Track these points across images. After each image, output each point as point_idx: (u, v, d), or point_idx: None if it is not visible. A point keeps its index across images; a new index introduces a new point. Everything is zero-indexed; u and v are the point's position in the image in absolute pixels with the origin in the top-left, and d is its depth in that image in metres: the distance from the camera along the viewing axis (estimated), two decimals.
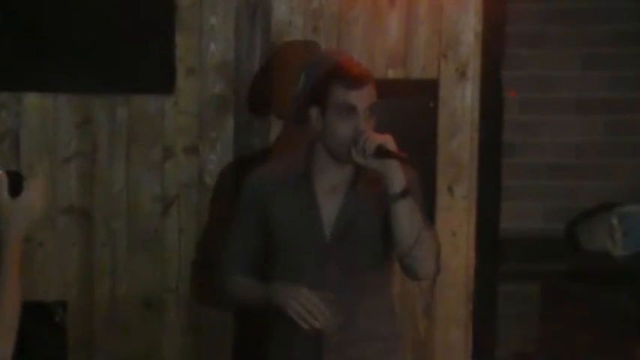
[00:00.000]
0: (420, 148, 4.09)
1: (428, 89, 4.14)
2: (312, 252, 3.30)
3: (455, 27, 4.13)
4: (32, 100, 4.18)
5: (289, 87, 3.89)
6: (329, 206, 3.30)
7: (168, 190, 4.24)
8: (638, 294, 4.88)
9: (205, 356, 4.31)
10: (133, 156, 4.23)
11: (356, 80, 3.18)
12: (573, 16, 5.23)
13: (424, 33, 4.14)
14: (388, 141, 3.11)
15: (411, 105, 4.14)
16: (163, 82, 4.17)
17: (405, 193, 3.11)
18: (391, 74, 4.13)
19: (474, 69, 4.14)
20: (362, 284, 3.29)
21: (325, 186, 3.30)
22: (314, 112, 3.25)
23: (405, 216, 3.13)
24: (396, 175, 3.12)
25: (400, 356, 3.44)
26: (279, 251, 3.32)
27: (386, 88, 4.01)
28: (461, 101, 4.16)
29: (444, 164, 4.17)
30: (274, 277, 3.34)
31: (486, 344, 4.41)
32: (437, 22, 4.13)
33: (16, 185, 2.71)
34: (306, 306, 3.15)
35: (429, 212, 4.03)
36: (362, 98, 3.19)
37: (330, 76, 3.21)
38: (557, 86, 5.28)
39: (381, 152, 3.10)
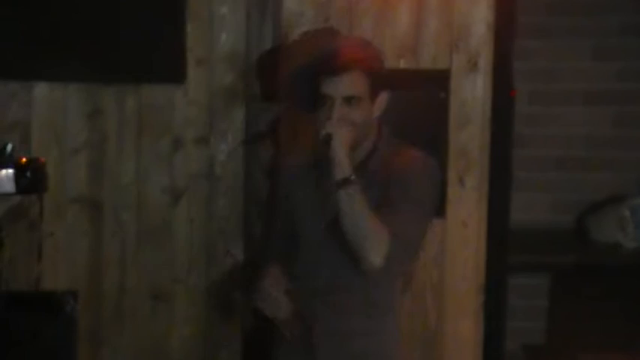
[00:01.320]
0: (430, 138, 4.08)
1: (439, 80, 4.12)
2: (315, 237, 3.30)
3: (466, 18, 4.11)
4: (42, 90, 4.18)
5: None
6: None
7: (178, 180, 4.24)
8: None
9: (214, 347, 4.31)
10: (143, 146, 4.23)
11: (330, 69, 3.17)
12: (582, 7, 5.21)
13: (435, 24, 4.13)
14: (337, 135, 3.11)
15: (422, 96, 4.12)
16: (173, 72, 4.17)
17: (344, 183, 3.11)
18: (402, 64, 4.11)
19: (485, 60, 4.12)
20: (357, 274, 3.28)
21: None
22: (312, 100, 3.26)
23: (343, 206, 3.12)
24: (339, 165, 3.12)
25: (391, 354, 3.42)
26: (298, 240, 3.34)
27: (397, 79, 4.02)
28: (472, 92, 4.14)
29: (454, 155, 4.15)
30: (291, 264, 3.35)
31: (496, 336, 4.39)
32: (448, 13, 4.11)
33: None
34: (265, 300, 3.21)
35: (440, 204, 4.04)
36: (337, 87, 3.17)
37: (316, 65, 3.21)
38: (566, 78, 5.26)
39: (327, 142, 3.12)
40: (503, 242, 4.28)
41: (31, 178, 3.67)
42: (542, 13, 5.17)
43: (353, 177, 3.12)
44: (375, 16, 4.13)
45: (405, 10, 4.13)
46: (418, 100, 4.11)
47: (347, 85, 3.17)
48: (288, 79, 3.39)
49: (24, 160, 3.63)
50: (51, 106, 4.18)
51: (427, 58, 4.13)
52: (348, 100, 3.17)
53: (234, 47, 4.20)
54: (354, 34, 4.07)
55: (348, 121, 3.16)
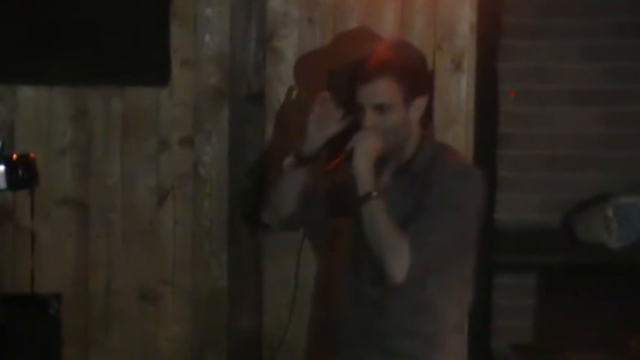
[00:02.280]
0: None
1: None
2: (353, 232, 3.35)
3: (450, 18, 4.13)
4: (27, 92, 4.19)
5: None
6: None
7: (164, 181, 4.25)
8: (633, 286, 4.87)
9: (201, 348, 4.31)
10: (128, 148, 4.23)
11: (360, 77, 3.19)
12: (571, 7, 5.20)
13: (419, 24, 4.14)
14: (363, 148, 3.13)
15: None
16: (158, 73, 4.17)
17: (366, 198, 3.13)
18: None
19: (469, 60, 4.14)
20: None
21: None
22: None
23: (365, 221, 3.15)
24: (360, 180, 3.14)
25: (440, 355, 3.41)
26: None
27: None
28: (456, 93, 4.16)
29: None
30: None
31: (482, 336, 4.39)
32: (432, 13, 4.13)
33: None
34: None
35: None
36: (366, 95, 3.19)
37: (350, 72, 3.24)
38: (555, 78, 5.25)
39: (350, 157, 3.14)
40: (488, 242, 4.28)
41: (22, 174, 3.69)
42: (529, 13, 5.15)
43: (375, 193, 3.14)
44: (359, 16, 4.15)
45: (390, 10, 4.15)
46: None
47: (377, 93, 3.18)
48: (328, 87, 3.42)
49: (14, 156, 3.65)
50: (36, 108, 4.19)
51: None
52: (379, 107, 3.18)
53: (219, 48, 4.21)
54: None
55: (380, 130, 3.18)
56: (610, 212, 4.95)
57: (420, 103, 3.27)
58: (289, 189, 3.45)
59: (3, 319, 3.72)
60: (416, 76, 3.26)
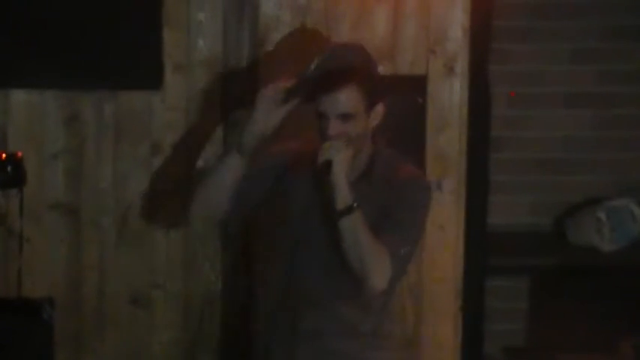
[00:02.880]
0: (408, 143, 4.09)
1: (416, 85, 4.14)
2: (302, 235, 3.31)
3: (442, 22, 4.12)
4: (19, 96, 4.17)
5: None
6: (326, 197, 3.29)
7: (157, 186, 4.24)
8: (624, 288, 4.89)
9: (193, 352, 4.30)
10: (121, 152, 4.22)
11: (325, 86, 3.17)
12: (560, 10, 5.23)
13: (412, 28, 4.14)
14: (338, 159, 3.11)
15: (399, 101, 4.13)
16: (151, 78, 4.16)
17: (347, 211, 3.11)
18: (380, 70, 4.12)
19: (462, 64, 4.14)
20: (348, 277, 3.28)
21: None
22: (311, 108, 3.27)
23: (346, 234, 3.13)
24: (340, 192, 3.12)
25: (384, 355, 3.43)
26: (275, 225, 3.32)
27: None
28: (449, 96, 4.16)
29: (432, 159, 4.17)
30: (266, 251, 3.35)
31: (475, 340, 4.40)
32: (424, 18, 4.12)
33: None
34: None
35: None
36: (332, 104, 3.17)
37: (313, 78, 3.20)
38: (545, 81, 5.28)
39: (326, 170, 3.11)
40: (481, 245, 4.30)
41: (11, 173, 3.70)
42: (521, 17, 5.18)
43: (355, 204, 3.12)
44: (352, 21, 4.14)
45: (382, 15, 4.15)
46: (396, 106, 4.11)
47: (341, 102, 3.17)
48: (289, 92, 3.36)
49: (3, 155, 3.65)
50: (28, 113, 4.17)
51: (404, 63, 4.15)
52: (343, 116, 3.17)
53: (211, 52, 4.20)
54: (331, 39, 4.08)
55: (344, 139, 3.17)
56: (602, 215, 4.97)
57: (379, 110, 3.29)
58: (225, 180, 3.39)
59: None
60: (375, 84, 3.29)
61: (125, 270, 4.26)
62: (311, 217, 3.31)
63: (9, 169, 3.71)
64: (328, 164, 3.11)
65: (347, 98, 3.17)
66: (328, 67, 3.19)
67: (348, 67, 3.20)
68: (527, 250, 4.97)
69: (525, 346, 5.15)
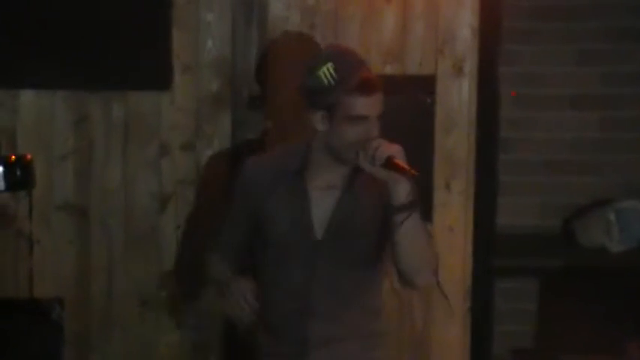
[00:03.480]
0: (417, 144, 4.07)
1: (425, 85, 4.14)
2: (301, 250, 3.29)
3: (451, 23, 4.13)
4: (28, 97, 4.18)
5: (284, 83, 3.91)
6: (322, 205, 3.28)
7: (165, 187, 4.24)
8: (632, 290, 4.88)
9: (201, 353, 4.30)
10: (130, 153, 4.23)
11: (368, 89, 3.17)
12: (567, 12, 5.23)
13: (420, 29, 4.14)
14: (398, 153, 3.10)
15: (408, 101, 4.14)
16: (160, 79, 4.17)
17: (409, 206, 3.11)
18: (388, 70, 4.13)
19: (470, 65, 4.14)
20: (351, 283, 3.29)
21: (320, 185, 3.29)
22: (318, 115, 3.21)
23: (409, 229, 3.11)
24: (403, 187, 3.11)
25: (384, 353, 3.44)
26: (268, 246, 3.31)
27: (383, 85, 4.02)
28: (458, 97, 4.16)
29: (441, 160, 4.17)
30: (262, 271, 3.34)
31: (483, 340, 4.40)
32: (433, 18, 4.13)
33: None
34: (233, 297, 3.23)
35: (426, 209, 4.04)
36: (373, 106, 3.18)
37: (345, 85, 3.18)
38: (552, 82, 5.28)
39: (390, 164, 3.09)
40: (489, 246, 4.30)
41: (20, 176, 3.70)
42: (527, 18, 5.18)
43: (416, 198, 3.10)
44: (360, 21, 4.14)
45: (391, 16, 4.15)
46: (404, 106, 4.12)
47: (379, 103, 3.17)
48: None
49: (12, 157, 3.65)
50: (38, 113, 4.18)
51: (413, 63, 4.15)
52: (379, 117, 3.18)
53: (220, 53, 4.20)
54: (340, 39, 4.09)
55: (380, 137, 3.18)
56: (611, 216, 4.97)
57: None
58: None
59: (6, 324, 3.71)
60: None
61: (134, 271, 4.26)
62: (305, 231, 3.30)
63: (18, 171, 3.71)
64: (390, 159, 3.10)
65: (381, 99, 3.19)
66: (358, 72, 3.18)
67: (370, 69, 3.21)
68: (535, 252, 4.96)
69: (533, 347, 5.14)
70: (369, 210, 3.23)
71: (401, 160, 3.08)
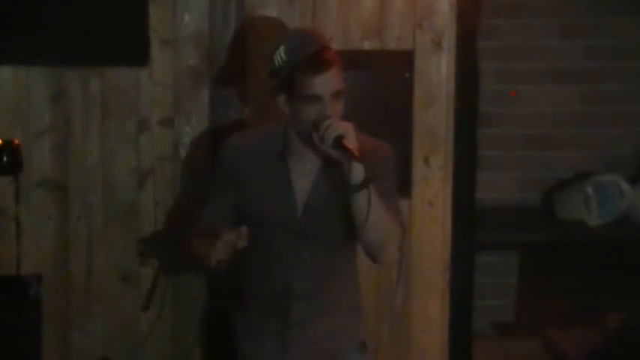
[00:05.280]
0: (395, 119, 4.09)
1: (403, 60, 4.12)
2: (282, 228, 3.31)
3: None
4: (5, 73, 4.15)
5: (263, 58, 3.89)
6: (302, 185, 3.31)
7: (144, 162, 4.23)
8: (611, 263, 4.91)
9: (182, 328, 4.31)
10: (108, 129, 4.21)
11: (317, 67, 3.15)
12: None
13: (399, 3, 4.12)
14: (348, 133, 3.10)
15: (386, 76, 4.12)
16: (137, 53, 4.15)
17: (363, 185, 3.10)
18: (366, 45, 4.11)
19: (449, 39, 4.12)
20: (330, 260, 3.33)
21: (299, 165, 3.31)
22: (281, 98, 3.24)
23: (363, 206, 3.11)
24: (355, 167, 3.10)
25: (359, 329, 3.47)
26: (249, 225, 3.31)
27: (361, 60, 4.02)
28: (436, 72, 4.15)
29: (419, 135, 4.17)
30: (243, 250, 3.34)
31: (463, 315, 4.41)
32: None
33: None
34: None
35: (405, 184, 4.05)
36: (325, 84, 3.16)
37: (292, 64, 3.18)
38: (533, 56, 5.27)
39: (339, 145, 3.09)
40: (469, 221, 4.30)
41: (6, 161, 3.69)
42: None
43: (370, 176, 3.11)
44: None
45: None
46: (383, 81, 4.11)
47: (334, 80, 3.17)
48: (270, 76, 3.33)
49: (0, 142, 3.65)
50: (14, 89, 4.16)
51: (392, 38, 4.13)
52: (335, 94, 3.18)
53: (198, 28, 4.18)
54: (319, 14, 4.07)
55: (338, 116, 3.17)
56: (590, 190, 4.99)
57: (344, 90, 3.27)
58: None
59: None
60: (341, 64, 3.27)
61: (113, 247, 4.25)
62: (285, 209, 3.30)
63: (4, 156, 3.71)
64: (339, 140, 3.09)
65: (337, 76, 3.18)
66: (305, 51, 3.17)
67: (328, 46, 3.20)
68: (515, 226, 4.98)
69: (514, 320, 5.17)
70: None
71: (349, 140, 3.08)
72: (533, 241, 4.91)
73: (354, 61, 3.26)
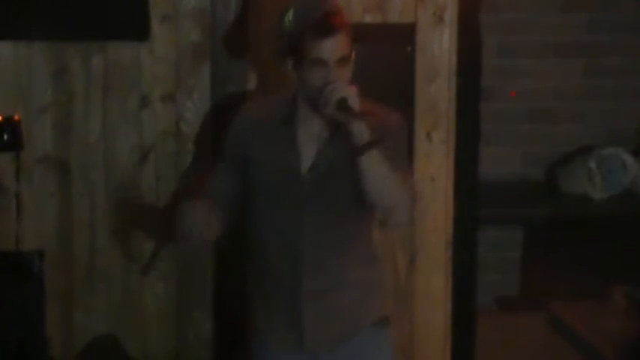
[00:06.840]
0: (397, 93, 4.07)
1: (405, 34, 4.11)
2: (289, 195, 3.30)
3: None
4: (6, 49, 4.14)
5: (266, 33, 3.88)
6: (308, 152, 3.30)
7: (146, 139, 4.22)
8: (616, 237, 4.90)
9: (186, 305, 4.31)
10: (110, 105, 4.20)
11: (324, 31, 3.14)
12: None
13: None
14: (351, 95, 3.09)
15: (388, 50, 4.11)
16: (138, 28, 4.13)
17: (368, 147, 3.10)
18: (368, 19, 4.10)
19: (451, 13, 4.11)
20: (340, 228, 3.31)
21: (307, 132, 3.30)
22: (289, 62, 3.23)
23: (368, 169, 3.11)
24: (359, 129, 3.09)
25: (377, 303, 3.44)
26: (257, 192, 3.32)
27: (363, 33, 3.99)
28: (439, 46, 4.13)
29: (422, 110, 4.16)
30: (252, 225, 3.34)
31: (466, 290, 4.41)
32: None
33: None
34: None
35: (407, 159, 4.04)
36: (331, 49, 3.15)
37: (300, 28, 3.17)
38: (536, 30, 5.25)
39: (342, 106, 3.08)
40: (472, 196, 4.29)
41: (7, 138, 3.68)
42: None
43: (374, 140, 3.10)
44: None
45: None
46: (384, 55, 4.10)
47: (340, 46, 3.16)
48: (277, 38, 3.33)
49: (0, 119, 3.64)
50: (15, 66, 4.15)
51: (393, 11, 4.12)
52: (341, 60, 3.16)
53: (199, 3, 4.16)
54: None
55: (344, 82, 3.16)
56: (593, 164, 4.98)
57: (353, 57, 3.26)
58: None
59: None
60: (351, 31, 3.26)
61: (116, 224, 4.25)
62: (292, 176, 3.30)
63: (5, 133, 3.70)
64: (343, 102, 3.09)
65: (344, 42, 3.17)
66: (314, 14, 3.16)
67: (336, 11, 3.18)
68: (518, 200, 4.97)
69: (518, 295, 5.17)
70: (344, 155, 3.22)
71: (353, 103, 3.07)
72: (536, 216, 4.91)
73: (355, 34, 3.23)
